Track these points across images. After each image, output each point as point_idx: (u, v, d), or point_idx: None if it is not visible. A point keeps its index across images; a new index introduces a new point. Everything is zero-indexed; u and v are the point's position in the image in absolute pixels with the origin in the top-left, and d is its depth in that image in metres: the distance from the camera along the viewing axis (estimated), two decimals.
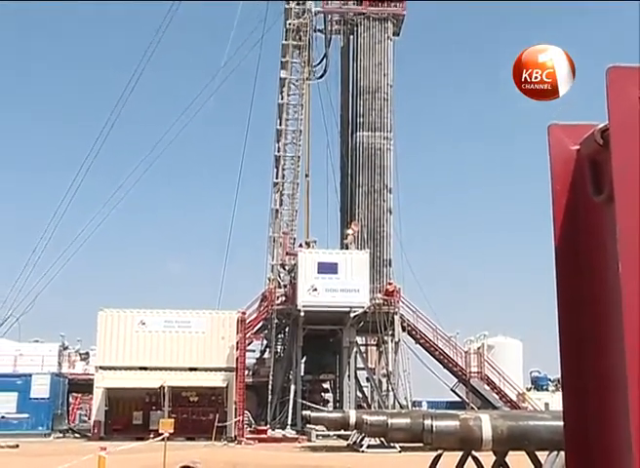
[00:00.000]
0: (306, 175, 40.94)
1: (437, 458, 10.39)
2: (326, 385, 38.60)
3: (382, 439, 18.36)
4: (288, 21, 40.57)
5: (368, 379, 37.19)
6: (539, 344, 55.03)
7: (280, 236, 39.45)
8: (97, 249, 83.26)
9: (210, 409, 32.35)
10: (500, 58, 66.98)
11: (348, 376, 34.50)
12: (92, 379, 33.11)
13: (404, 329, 36.48)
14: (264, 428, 31.39)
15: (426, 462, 10.67)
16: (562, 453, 6.95)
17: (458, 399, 38.77)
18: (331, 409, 33.67)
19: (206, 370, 32.09)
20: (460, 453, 9.67)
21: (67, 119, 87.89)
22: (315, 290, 32.81)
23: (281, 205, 40.60)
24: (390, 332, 35.56)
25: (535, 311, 72.30)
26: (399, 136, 41.70)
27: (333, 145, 40.58)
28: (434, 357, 37.20)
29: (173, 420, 21.38)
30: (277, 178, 40.56)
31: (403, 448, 21.58)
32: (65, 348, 38.94)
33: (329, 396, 38.30)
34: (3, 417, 31.94)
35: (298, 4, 40.85)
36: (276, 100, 41.03)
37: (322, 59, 41.55)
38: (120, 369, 31.75)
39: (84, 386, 36.36)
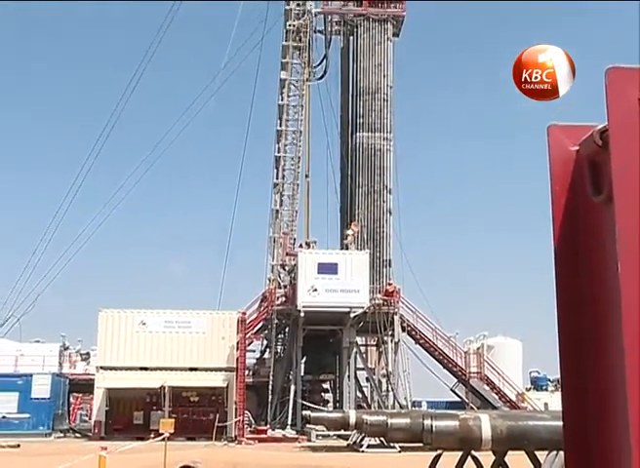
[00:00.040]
0: (306, 176, 40.98)
1: (437, 458, 10.40)
2: (326, 385, 38.60)
3: (382, 439, 18.37)
4: (288, 23, 40.55)
5: (368, 379, 37.18)
6: (538, 344, 55.06)
7: (280, 236, 39.44)
8: (97, 249, 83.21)
9: (210, 409, 32.36)
10: (500, 58, 67.04)
11: (348, 377, 34.50)
12: (92, 379, 33.13)
13: (404, 329, 36.48)
14: (264, 428, 31.39)
15: (426, 462, 10.69)
16: (561, 453, 6.95)
17: (457, 399, 38.77)
18: (331, 409, 33.67)
19: (206, 370, 32.11)
20: (460, 453, 9.68)
21: (67, 119, 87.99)
22: (315, 290, 32.81)
23: (281, 205, 40.58)
24: (390, 333, 35.57)
25: (534, 311, 72.35)
26: (399, 137, 41.79)
27: (333, 146, 40.63)
28: (434, 357, 37.19)
29: (173, 420, 21.35)
30: (277, 179, 40.55)
31: (403, 448, 21.56)
32: (66, 348, 38.94)
33: (329, 396, 38.31)
34: (4, 417, 31.96)
35: (298, 5, 40.84)
36: (276, 101, 41.06)
37: (322, 60, 41.59)
38: (121, 369, 31.78)
39: (85, 386, 36.40)
